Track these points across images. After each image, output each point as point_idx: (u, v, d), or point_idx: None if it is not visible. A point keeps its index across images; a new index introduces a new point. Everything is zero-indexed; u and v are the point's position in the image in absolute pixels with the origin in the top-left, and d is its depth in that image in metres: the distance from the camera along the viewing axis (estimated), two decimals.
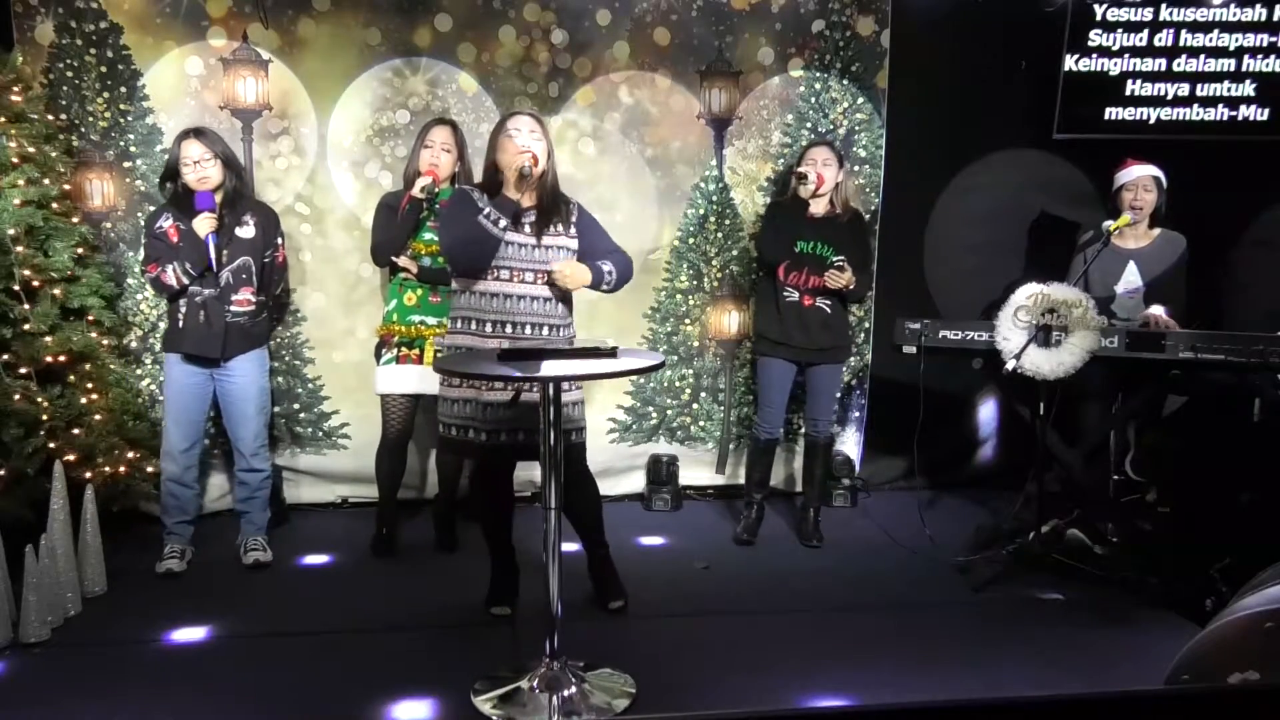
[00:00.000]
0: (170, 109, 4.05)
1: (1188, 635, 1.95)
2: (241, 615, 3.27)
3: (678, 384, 4.57)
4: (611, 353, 2.70)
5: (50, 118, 3.81)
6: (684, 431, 4.60)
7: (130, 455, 3.72)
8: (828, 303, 3.89)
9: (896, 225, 4.58)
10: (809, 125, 4.44)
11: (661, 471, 4.49)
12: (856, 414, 4.73)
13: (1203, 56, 4.50)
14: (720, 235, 4.48)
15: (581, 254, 3.16)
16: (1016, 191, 4.66)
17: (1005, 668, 2.96)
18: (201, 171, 3.48)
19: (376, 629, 3.19)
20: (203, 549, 3.77)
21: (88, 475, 3.51)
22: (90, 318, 3.72)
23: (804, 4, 4.37)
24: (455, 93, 4.23)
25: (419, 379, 3.75)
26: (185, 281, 3.47)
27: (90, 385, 3.65)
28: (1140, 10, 4.44)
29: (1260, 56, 4.50)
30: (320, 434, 4.33)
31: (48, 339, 3.52)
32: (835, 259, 3.81)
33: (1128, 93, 4.52)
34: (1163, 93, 4.53)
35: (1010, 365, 3.42)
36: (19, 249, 3.47)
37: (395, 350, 3.76)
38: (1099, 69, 4.50)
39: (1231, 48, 4.49)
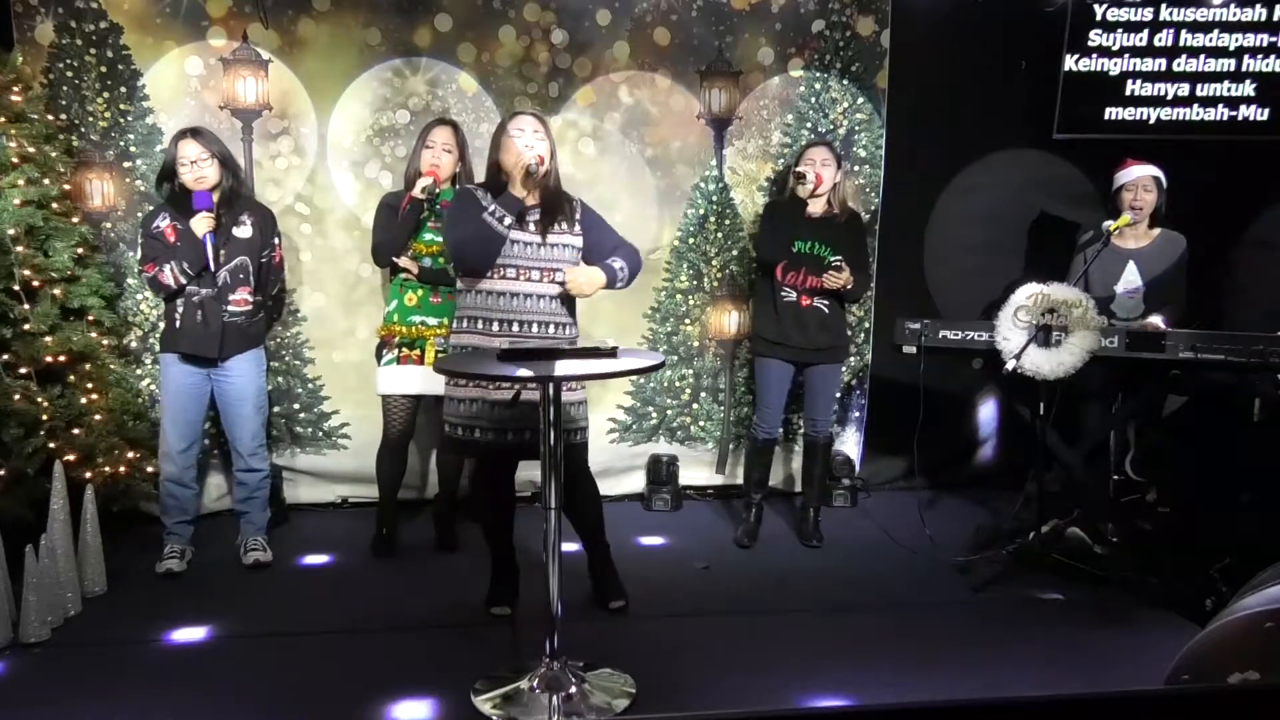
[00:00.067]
0: (170, 109, 4.05)
1: (1188, 635, 1.95)
2: (241, 615, 3.27)
3: (678, 384, 4.57)
4: (611, 353, 2.70)
5: (50, 118, 3.81)
6: (684, 431, 4.61)
7: (130, 455, 3.72)
8: (825, 303, 3.89)
9: (896, 225, 4.58)
10: (809, 125, 4.44)
11: (661, 471, 4.49)
12: (856, 414, 4.73)
13: (1203, 56, 4.50)
14: (720, 235, 4.49)
15: (587, 250, 3.17)
16: (1016, 191, 4.66)
17: (1005, 668, 2.96)
18: (199, 171, 3.48)
19: (376, 629, 3.19)
20: (202, 549, 3.77)
21: (88, 475, 3.51)
22: (90, 318, 3.72)
23: (804, 4, 4.37)
24: (455, 93, 4.23)
25: (420, 379, 3.75)
26: (183, 281, 3.47)
27: (90, 385, 3.65)
28: (1140, 10, 4.44)
29: (1260, 56, 4.50)
30: (320, 434, 4.33)
31: (48, 339, 3.52)
32: (833, 259, 3.82)
33: (1128, 93, 4.52)
34: (1163, 93, 4.53)
35: (1010, 365, 3.42)
36: (19, 249, 3.47)
37: (396, 351, 3.76)
38: (1099, 69, 4.50)
39: (1231, 48, 4.49)
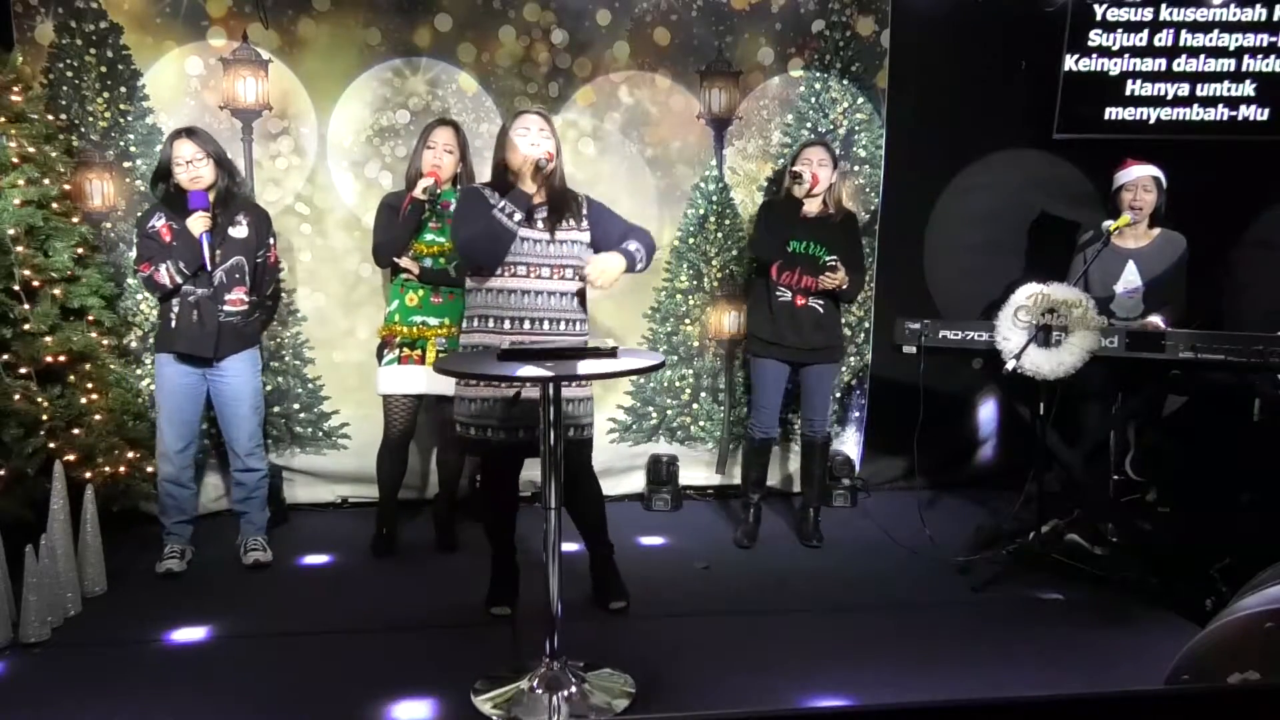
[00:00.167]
0: (170, 109, 4.05)
1: (1188, 635, 1.95)
2: (241, 615, 3.27)
3: (678, 384, 4.57)
4: (611, 353, 2.70)
5: (50, 118, 3.81)
6: (684, 431, 4.61)
7: (130, 455, 3.73)
8: (820, 303, 3.89)
9: (896, 225, 4.58)
10: (809, 125, 4.44)
11: (661, 471, 4.49)
12: (856, 414, 4.73)
13: (1203, 56, 4.50)
14: (720, 235, 4.49)
15: (597, 243, 3.17)
16: (1016, 191, 4.66)
17: (1005, 668, 2.96)
18: (194, 171, 3.48)
19: (376, 629, 3.19)
20: (203, 549, 3.77)
21: (88, 475, 3.51)
22: (90, 318, 3.73)
23: (804, 4, 4.37)
24: (455, 93, 4.23)
25: (422, 379, 3.75)
26: (179, 280, 3.47)
27: (90, 385, 3.65)
28: (1140, 10, 4.44)
29: (1260, 56, 4.50)
30: (320, 434, 4.33)
31: (48, 339, 3.52)
32: (828, 259, 3.81)
33: (1128, 93, 4.52)
34: (1163, 93, 4.53)
35: (1010, 365, 3.43)
36: (19, 249, 3.47)
37: (397, 351, 3.76)
38: (1099, 69, 4.50)
39: (1231, 48, 4.49)
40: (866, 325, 4.63)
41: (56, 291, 3.59)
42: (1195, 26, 4.47)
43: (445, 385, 3.61)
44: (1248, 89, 4.53)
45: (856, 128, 4.49)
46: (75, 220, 3.74)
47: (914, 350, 3.62)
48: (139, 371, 4.07)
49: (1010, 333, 3.47)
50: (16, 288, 3.46)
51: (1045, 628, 3.23)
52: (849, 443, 4.74)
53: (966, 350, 3.61)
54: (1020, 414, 3.84)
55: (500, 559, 3.35)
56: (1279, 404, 3.48)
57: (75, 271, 3.67)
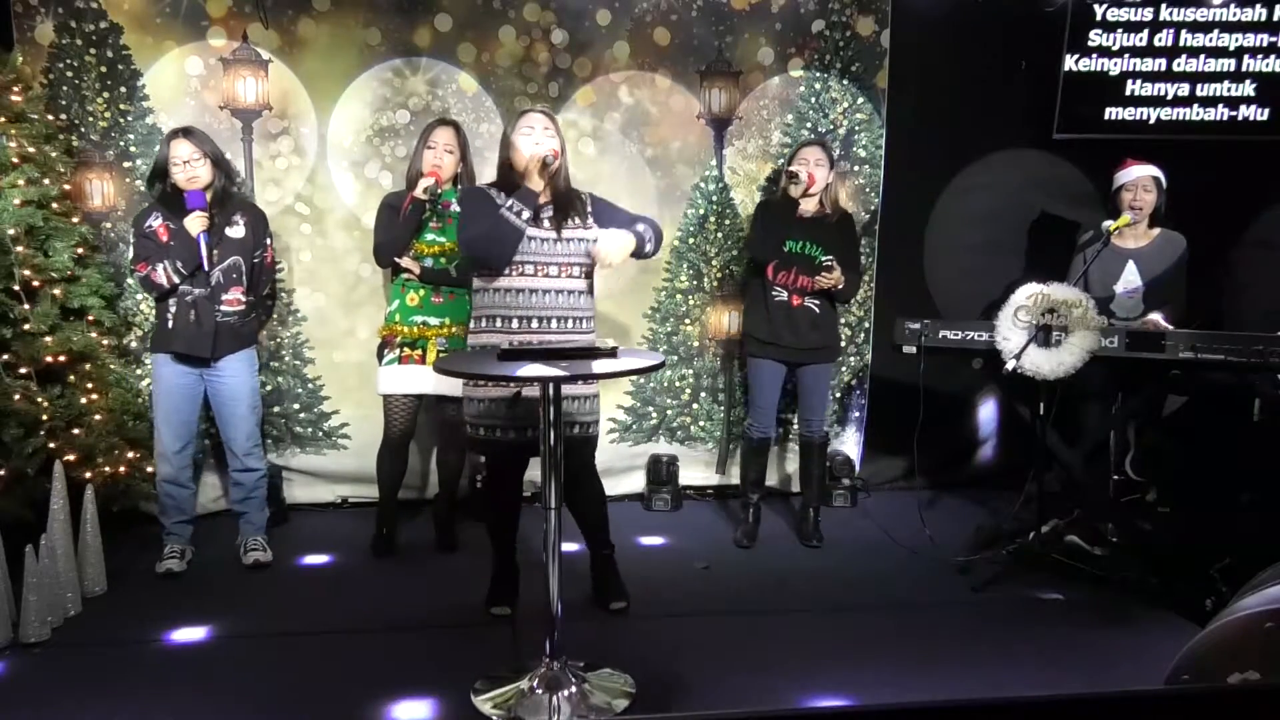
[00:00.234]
0: (170, 109, 4.05)
1: (1188, 635, 1.94)
2: (241, 615, 3.27)
3: (678, 384, 4.57)
4: (611, 353, 2.70)
5: (50, 118, 3.81)
6: (684, 431, 4.61)
7: (130, 455, 3.73)
8: (816, 302, 3.89)
9: (896, 225, 4.58)
10: (809, 125, 4.44)
11: (661, 471, 4.49)
12: (856, 414, 4.73)
13: (1203, 56, 4.50)
14: (720, 235, 4.49)
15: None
16: (1016, 191, 4.66)
17: (1005, 668, 2.96)
18: (191, 171, 3.48)
19: (376, 629, 3.19)
20: (202, 549, 3.77)
21: (88, 475, 3.51)
22: (90, 318, 3.73)
23: (804, 4, 4.37)
24: (455, 93, 4.23)
25: (422, 379, 3.75)
26: (176, 280, 3.46)
27: (90, 385, 3.65)
28: (1140, 10, 4.44)
29: (1260, 56, 4.50)
30: (320, 434, 4.33)
31: (48, 339, 3.52)
32: (824, 259, 3.81)
33: (1128, 93, 4.52)
34: (1163, 93, 4.53)
35: (1010, 365, 3.43)
36: (19, 249, 3.47)
37: (398, 350, 3.76)
38: (1099, 69, 4.50)
39: (1231, 48, 4.49)
40: (866, 325, 4.63)
41: (56, 291, 3.59)
42: (1195, 26, 4.47)
43: (446, 385, 3.62)
44: (1248, 89, 4.53)
45: (856, 128, 4.49)
46: (75, 220, 3.74)
47: (914, 350, 3.62)
48: (139, 371, 4.07)
49: (1010, 333, 3.47)
50: (16, 288, 3.46)
51: (1045, 628, 3.23)
52: (849, 443, 4.74)
53: (966, 350, 3.61)
54: (1020, 414, 3.84)
55: (501, 559, 3.35)
56: (1279, 404, 3.48)
57: (75, 271, 3.67)
